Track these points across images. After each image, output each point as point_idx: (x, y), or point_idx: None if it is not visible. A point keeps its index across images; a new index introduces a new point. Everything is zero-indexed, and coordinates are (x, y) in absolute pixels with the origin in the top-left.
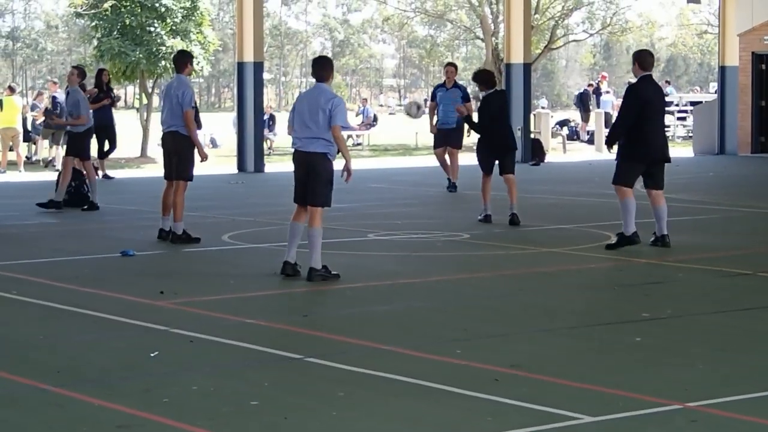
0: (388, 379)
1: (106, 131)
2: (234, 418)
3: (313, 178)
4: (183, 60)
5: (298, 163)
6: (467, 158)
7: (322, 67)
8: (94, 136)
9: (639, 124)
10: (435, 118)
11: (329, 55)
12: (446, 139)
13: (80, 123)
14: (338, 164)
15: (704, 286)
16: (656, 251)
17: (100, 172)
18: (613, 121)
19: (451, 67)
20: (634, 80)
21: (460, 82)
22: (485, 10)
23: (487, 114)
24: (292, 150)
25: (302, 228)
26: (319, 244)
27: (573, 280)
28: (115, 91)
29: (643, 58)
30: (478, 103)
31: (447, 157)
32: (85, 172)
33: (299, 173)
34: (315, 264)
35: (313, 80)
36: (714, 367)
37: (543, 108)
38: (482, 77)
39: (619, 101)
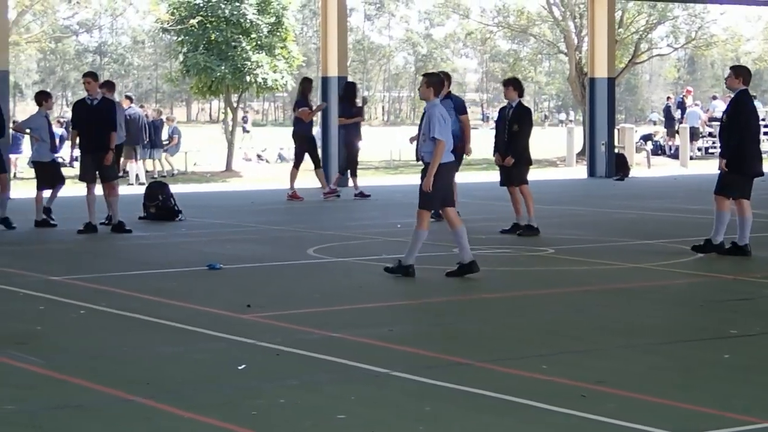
0: (473, 394)
1: (350, 148)
2: None
3: None
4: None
5: None
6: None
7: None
8: (340, 153)
9: (746, 138)
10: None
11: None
12: None
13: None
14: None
15: None
16: (742, 267)
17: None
18: (726, 135)
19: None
20: (731, 94)
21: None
22: (569, 25)
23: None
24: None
25: None
26: None
27: (659, 295)
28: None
29: (746, 72)
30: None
31: None
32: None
33: None
34: None
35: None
36: None
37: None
38: (520, 84)
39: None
